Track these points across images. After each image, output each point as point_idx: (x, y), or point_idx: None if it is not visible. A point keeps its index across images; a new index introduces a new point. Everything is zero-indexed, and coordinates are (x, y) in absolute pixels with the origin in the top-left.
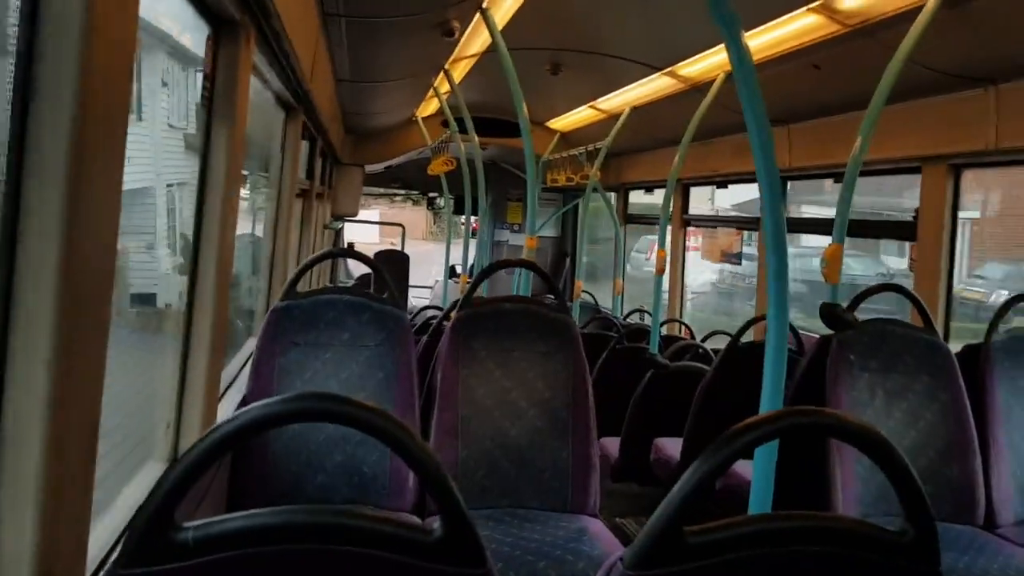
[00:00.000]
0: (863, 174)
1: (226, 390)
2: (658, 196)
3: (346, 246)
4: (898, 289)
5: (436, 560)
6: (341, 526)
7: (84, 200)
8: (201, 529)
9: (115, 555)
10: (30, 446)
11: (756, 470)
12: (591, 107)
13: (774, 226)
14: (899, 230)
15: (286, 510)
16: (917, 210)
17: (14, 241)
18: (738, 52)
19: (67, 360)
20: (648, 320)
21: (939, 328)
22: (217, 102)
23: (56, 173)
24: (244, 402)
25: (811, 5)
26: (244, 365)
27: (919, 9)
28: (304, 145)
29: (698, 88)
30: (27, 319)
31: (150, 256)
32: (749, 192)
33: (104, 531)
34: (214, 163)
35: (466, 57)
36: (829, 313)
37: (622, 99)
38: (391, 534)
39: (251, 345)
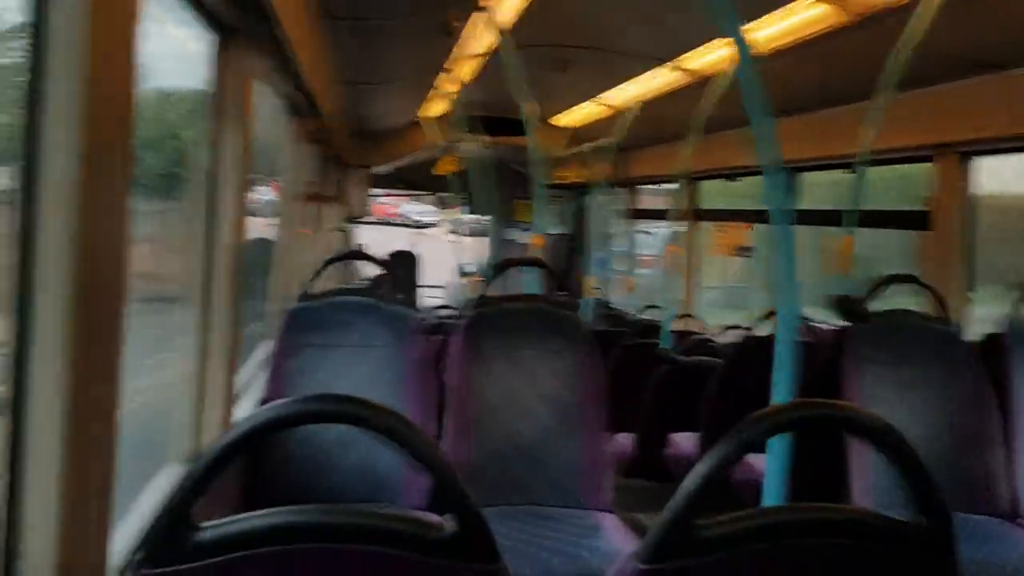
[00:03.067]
0: (873, 163)
1: (242, 392)
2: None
3: (356, 247)
4: (914, 280)
5: (449, 556)
6: (356, 525)
7: (94, 209)
8: (219, 528)
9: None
10: (52, 455)
11: (769, 462)
12: (598, 103)
13: (780, 219)
14: (911, 220)
15: (302, 509)
16: (928, 199)
17: (29, 258)
18: (739, 43)
19: (84, 365)
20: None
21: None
22: (224, 109)
23: (68, 178)
24: (262, 404)
25: None
26: (260, 368)
27: None
28: (312, 149)
29: (705, 81)
30: (43, 325)
31: None
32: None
33: (127, 532)
34: (222, 169)
35: (472, 56)
36: (842, 305)
37: (629, 94)
38: (404, 532)
39: (266, 347)
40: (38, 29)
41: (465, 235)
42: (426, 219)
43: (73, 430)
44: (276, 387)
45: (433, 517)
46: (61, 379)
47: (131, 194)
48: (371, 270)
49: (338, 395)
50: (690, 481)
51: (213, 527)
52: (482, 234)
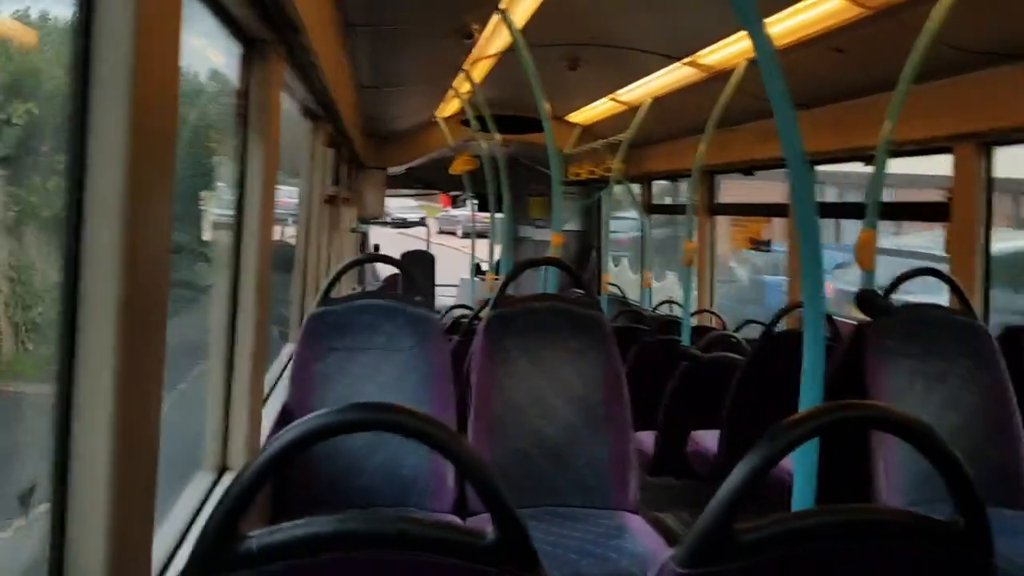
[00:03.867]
0: (892, 155)
1: (266, 398)
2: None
3: (372, 248)
4: (935, 273)
5: (491, 563)
6: (399, 532)
7: (138, 223)
8: (264, 538)
9: (181, 565)
10: (100, 459)
11: (798, 463)
12: (612, 99)
13: (805, 212)
14: (933, 212)
15: (344, 517)
16: (950, 190)
17: (76, 269)
18: (760, 37)
19: (128, 377)
20: (678, 311)
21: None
22: (251, 118)
23: (112, 198)
24: (286, 409)
25: None
26: (282, 372)
27: None
28: (330, 152)
29: (719, 76)
30: (91, 336)
31: None
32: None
33: (162, 539)
34: (251, 175)
35: (486, 57)
36: (865, 299)
37: (643, 90)
38: (447, 539)
39: (287, 351)
40: (84, 40)
41: (460, 235)
42: (410, 216)
43: (119, 433)
44: (300, 392)
45: (456, 523)
46: (107, 383)
47: (172, 202)
48: (387, 270)
49: (382, 404)
50: (728, 486)
51: (259, 536)
52: (482, 235)
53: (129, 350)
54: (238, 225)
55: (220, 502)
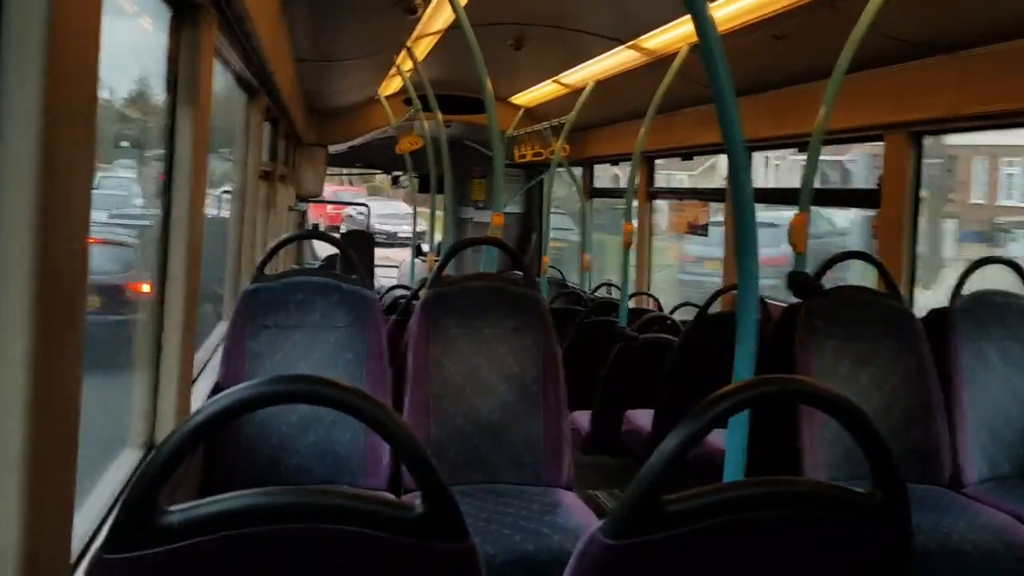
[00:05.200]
0: (826, 143)
1: (197, 376)
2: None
3: (310, 227)
4: (863, 256)
5: (418, 536)
6: (325, 505)
7: (55, 196)
8: (185, 512)
9: (99, 541)
10: (12, 440)
11: (729, 437)
12: (555, 82)
13: (741, 197)
14: (863, 198)
15: (270, 491)
16: (880, 178)
17: None
18: (703, 20)
19: (44, 354)
20: (616, 294)
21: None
22: (181, 86)
23: (26, 169)
24: (217, 387)
25: None
26: (215, 350)
27: None
28: (266, 126)
29: (661, 61)
30: (4, 315)
31: None
32: None
33: (84, 518)
34: (180, 147)
35: (429, 34)
36: (797, 281)
37: (586, 73)
38: (374, 512)
39: (221, 329)
40: None
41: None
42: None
43: (34, 415)
44: (232, 369)
45: (392, 497)
46: (21, 364)
47: (93, 177)
48: (326, 250)
49: (305, 375)
50: (657, 457)
51: (181, 511)
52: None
53: (45, 329)
54: (167, 199)
55: (140, 476)
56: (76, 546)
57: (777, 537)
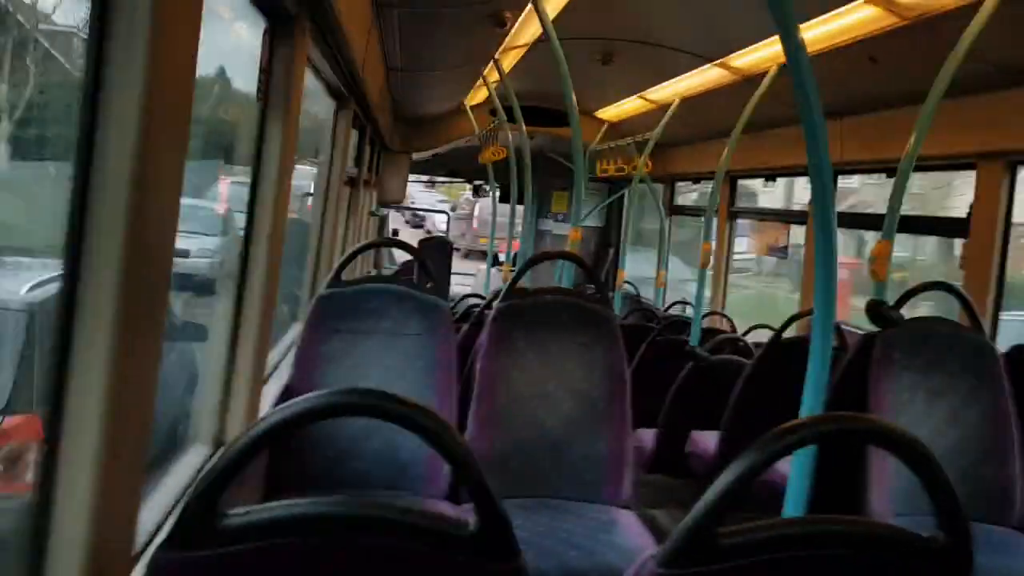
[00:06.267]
0: (917, 169)
1: (270, 375)
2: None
3: (391, 233)
4: (947, 288)
5: (470, 554)
6: (379, 518)
7: (147, 199)
8: (243, 517)
9: (160, 536)
10: (88, 435)
11: (794, 470)
12: (641, 97)
13: (824, 220)
14: (951, 227)
15: (326, 501)
16: (971, 206)
17: (80, 242)
18: (793, 44)
19: (124, 353)
20: (690, 312)
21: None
22: (272, 95)
23: (120, 174)
24: (287, 389)
25: None
26: (288, 351)
27: (980, 3)
28: (352, 133)
29: (749, 80)
30: (90, 314)
31: None
32: None
33: (152, 510)
34: (267, 154)
35: (517, 47)
36: (875, 310)
37: (672, 90)
38: (426, 527)
39: (295, 331)
40: (100, 7)
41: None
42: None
43: (111, 411)
44: (302, 373)
45: (449, 509)
46: (103, 362)
47: (183, 179)
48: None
49: (366, 389)
50: (715, 489)
51: (239, 515)
52: None
53: (127, 324)
54: (252, 202)
55: (202, 478)
56: (140, 539)
57: None
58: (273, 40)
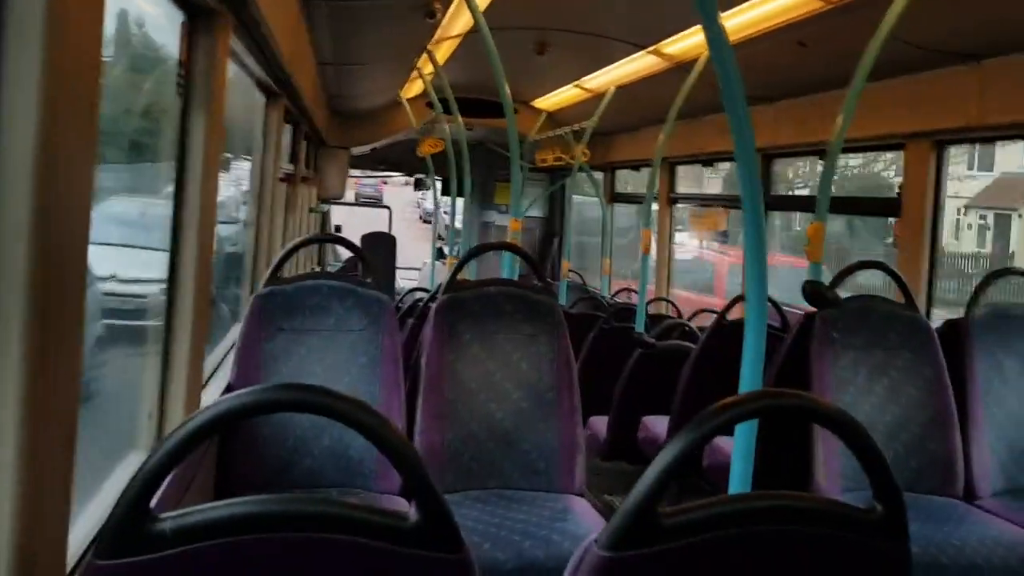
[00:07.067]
0: (845, 151)
1: (210, 378)
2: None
3: (333, 229)
4: (880, 266)
5: (413, 545)
6: (318, 514)
7: (54, 197)
8: (178, 519)
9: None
10: (7, 441)
11: (736, 448)
12: (577, 86)
13: (752, 204)
14: (883, 207)
15: (263, 499)
16: (901, 186)
17: None
18: (714, 28)
19: (42, 357)
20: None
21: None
22: (193, 91)
23: (23, 171)
24: (229, 389)
25: None
26: (229, 352)
27: None
28: (287, 129)
29: (682, 66)
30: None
31: None
32: None
33: (87, 523)
34: (192, 151)
35: (450, 38)
36: (812, 291)
37: (607, 78)
38: (367, 521)
39: (236, 331)
40: None
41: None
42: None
43: (31, 416)
44: (244, 372)
45: (401, 504)
46: (18, 365)
47: (95, 172)
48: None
49: (301, 384)
50: (652, 471)
51: (173, 518)
52: None
53: (44, 325)
54: (178, 202)
55: (130, 483)
56: (76, 550)
57: (775, 552)
58: (192, 34)
